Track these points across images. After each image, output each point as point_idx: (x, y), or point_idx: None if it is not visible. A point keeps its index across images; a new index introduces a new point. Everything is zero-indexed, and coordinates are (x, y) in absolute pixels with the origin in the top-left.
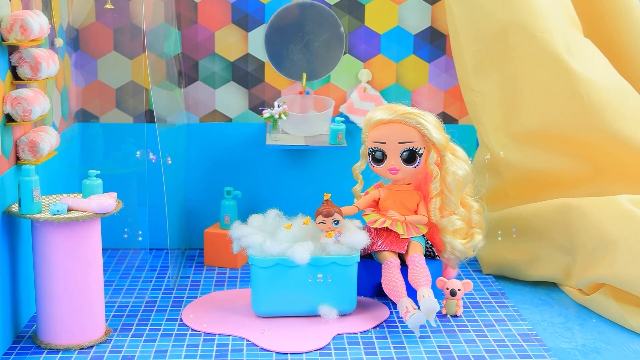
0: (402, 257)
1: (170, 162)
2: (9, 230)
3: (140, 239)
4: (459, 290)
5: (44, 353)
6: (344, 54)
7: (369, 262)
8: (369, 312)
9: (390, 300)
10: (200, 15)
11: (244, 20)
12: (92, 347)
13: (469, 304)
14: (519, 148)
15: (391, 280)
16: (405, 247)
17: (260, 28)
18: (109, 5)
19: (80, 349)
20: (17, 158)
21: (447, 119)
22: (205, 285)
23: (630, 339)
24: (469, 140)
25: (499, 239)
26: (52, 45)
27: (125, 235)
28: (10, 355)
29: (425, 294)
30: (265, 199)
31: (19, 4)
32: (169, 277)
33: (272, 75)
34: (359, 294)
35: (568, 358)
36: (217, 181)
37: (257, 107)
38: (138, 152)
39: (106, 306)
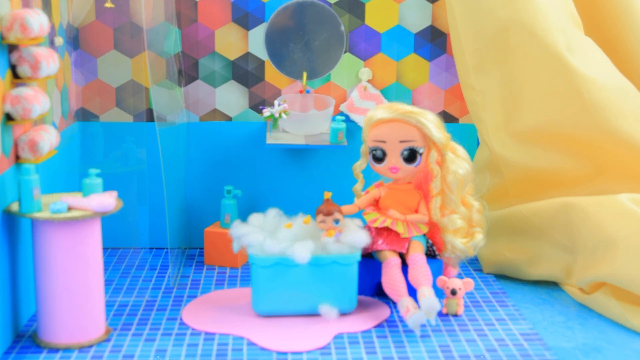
0: (402, 256)
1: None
2: (9, 229)
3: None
4: (460, 289)
5: (44, 352)
6: (345, 52)
7: (370, 262)
8: (370, 312)
9: (391, 299)
10: (200, 13)
11: (244, 19)
12: (92, 346)
13: (469, 303)
14: (519, 147)
15: (392, 279)
16: (406, 246)
17: (260, 27)
18: (109, 4)
19: (80, 348)
20: (17, 157)
21: (447, 118)
22: (205, 284)
23: (631, 338)
24: (469, 139)
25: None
26: (52, 44)
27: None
28: (10, 354)
29: (426, 293)
30: (266, 198)
31: (18, 2)
32: (169, 277)
33: (272, 74)
34: (359, 293)
35: (569, 357)
36: (217, 180)
37: (257, 105)
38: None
39: (106, 305)
